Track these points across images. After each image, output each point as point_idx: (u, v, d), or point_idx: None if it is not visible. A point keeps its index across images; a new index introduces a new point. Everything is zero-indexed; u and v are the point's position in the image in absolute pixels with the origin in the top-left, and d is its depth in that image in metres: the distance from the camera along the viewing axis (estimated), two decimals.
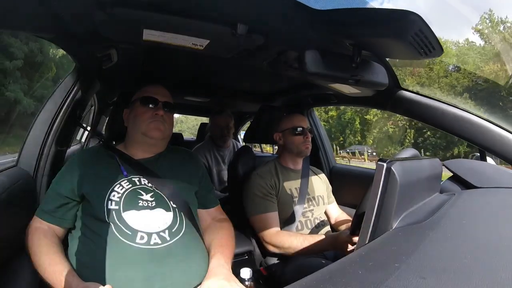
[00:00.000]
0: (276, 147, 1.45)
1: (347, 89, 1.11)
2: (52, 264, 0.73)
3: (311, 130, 1.38)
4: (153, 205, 0.84)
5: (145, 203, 0.83)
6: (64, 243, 0.83)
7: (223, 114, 2.06)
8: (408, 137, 25.64)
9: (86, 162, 0.88)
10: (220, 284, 0.71)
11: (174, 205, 0.86)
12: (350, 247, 0.98)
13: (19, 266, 0.80)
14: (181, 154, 1.03)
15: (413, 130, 25.39)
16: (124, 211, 0.80)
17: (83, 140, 2.45)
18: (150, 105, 0.93)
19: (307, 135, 1.32)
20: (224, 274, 0.75)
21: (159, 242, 0.78)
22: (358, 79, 0.81)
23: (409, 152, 0.89)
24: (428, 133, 24.22)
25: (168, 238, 0.80)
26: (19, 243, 0.80)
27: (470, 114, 1.04)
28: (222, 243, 0.88)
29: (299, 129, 1.31)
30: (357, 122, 29.98)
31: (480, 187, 0.92)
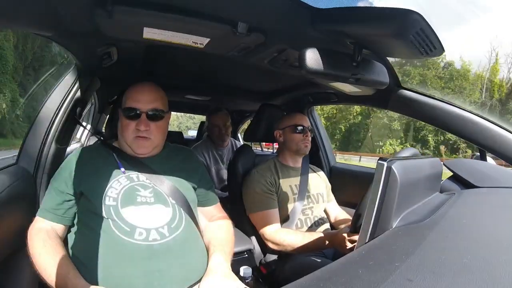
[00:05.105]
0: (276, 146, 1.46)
1: (347, 88, 1.10)
2: (58, 266, 0.72)
3: (312, 130, 1.39)
4: (151, 201, 0.83)
5: (143, 199, 0.83)
6: (63, 241, 0.83)
7: (219, 113, 2.05)
8: None
9: (84, 159, 0.88)
10: (220, 281, 0.72)
11: (173, 201, 0.86)
12: (349, 245, 0.98)
13: (19, 265, 0.80)
14: (180, 152, 1.02)
15: None
16: (122, 207, 0.80)
17: (83, 138, 2.44)
18: (133, 117, 0.87)
19: (307, 134, 1.34)
20: (224, 272, 0.75)
21: (158, 238, 0.78)
22: (358, 78, 0.81)
23: (409, 151, 0.89)
24: None
25: (167, 234, 0.79)
26: (18, 242, 0.80)
27: (471, 114, 1.04)
28: (222, 241, 0.88)
29: (299, 127, 1.33)
30: None
31: (480, 187, 0.92)
